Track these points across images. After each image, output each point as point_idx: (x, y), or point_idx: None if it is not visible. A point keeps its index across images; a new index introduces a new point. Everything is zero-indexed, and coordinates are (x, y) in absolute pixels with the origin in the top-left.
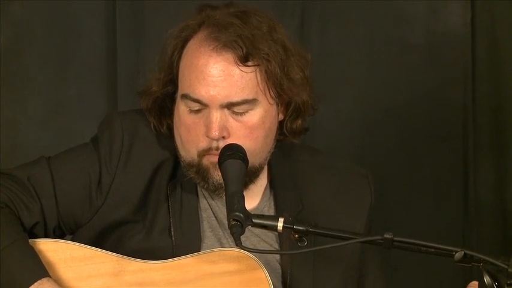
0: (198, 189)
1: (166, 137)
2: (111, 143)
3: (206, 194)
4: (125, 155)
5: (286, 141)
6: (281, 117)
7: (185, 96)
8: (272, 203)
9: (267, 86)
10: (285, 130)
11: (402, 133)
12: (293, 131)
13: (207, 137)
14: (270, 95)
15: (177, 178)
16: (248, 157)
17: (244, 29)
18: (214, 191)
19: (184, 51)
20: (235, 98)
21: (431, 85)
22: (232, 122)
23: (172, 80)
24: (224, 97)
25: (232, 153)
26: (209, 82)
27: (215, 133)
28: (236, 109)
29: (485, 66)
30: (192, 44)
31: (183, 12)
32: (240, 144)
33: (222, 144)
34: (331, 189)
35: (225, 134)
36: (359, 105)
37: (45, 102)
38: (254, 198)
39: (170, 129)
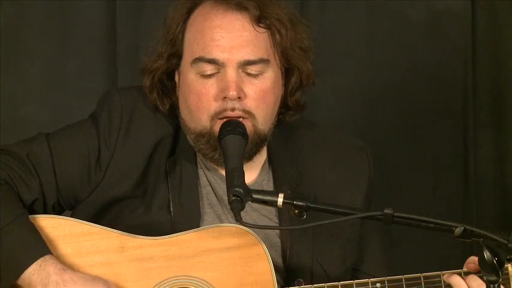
0: (198, 166)
1: (166, 114)
2: (110, 119)
3: (206, 170)
4: (123, 131)
5: (285, 118)
6: (282, 90)
7: (198, 60)
8: (271, 177)
9: (277, 51)
10: (289, 102)
11: (402, 109)
12: (295, 104)
13: (223, 98)
14: (279, 61)
15: (176, 154)
16: (260, 123)
17: None
18: (223, 162)
19: (190, 21)
20: (252, 56)
21: (431, 61)
22: (247, 85)
23: (176, 53)
24: (241, 55)
25: (232, 128)
26: (226, 41)
27: (233, 92)
28: (251, 69)
29: (485, 42)
30: (199, 12)
31: None
32: (253, 108)
33: (237, 105)
34: (329, 162)
35: (241, 94)
36: (359, 81)
37: (45, 78)
38: (253, 172)
39: (172, 107)
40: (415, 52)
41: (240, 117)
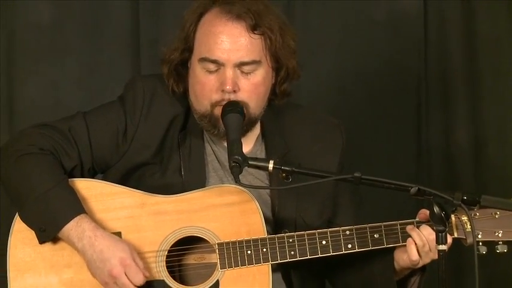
0: (204, 138)
1: (179, 97)
2: (135, 100)
3: (211, 142)
4: (145, 110)
5: (275, 102)
6: (273, 81)
7: (203, 59)
8: (263, 147)
9: (269, 53)
10: (277, 91)
11: (368, 92)
12: (282, 93)
13: (221, 90)
14: (270, 60)
15: (187, 129)
16: (251, 109)
17: (251, 4)
18: (222, 136)
19: (200, 23)
20: (246, 58)
21: (392, 53)
22: (242, 80)
23: (188, 48)
24: (238, 57)
25: (232, 108)
26: (225, 45)
27: (229, 86)
28: (245, 68)
29: (435, 38)
30: (207, 17)
31: None
32: (246, 98)
33: (233, 97)
34: (310, 136)
35: (236, 88)
36: (335, 70)
37: (82, 66)
38: (249, 144)
39: (185, 90)
40: (378, 46)
41: None
